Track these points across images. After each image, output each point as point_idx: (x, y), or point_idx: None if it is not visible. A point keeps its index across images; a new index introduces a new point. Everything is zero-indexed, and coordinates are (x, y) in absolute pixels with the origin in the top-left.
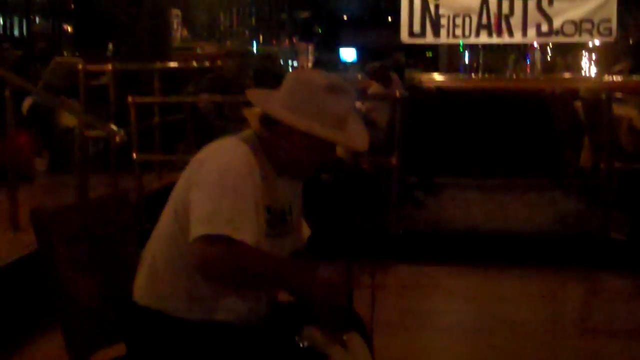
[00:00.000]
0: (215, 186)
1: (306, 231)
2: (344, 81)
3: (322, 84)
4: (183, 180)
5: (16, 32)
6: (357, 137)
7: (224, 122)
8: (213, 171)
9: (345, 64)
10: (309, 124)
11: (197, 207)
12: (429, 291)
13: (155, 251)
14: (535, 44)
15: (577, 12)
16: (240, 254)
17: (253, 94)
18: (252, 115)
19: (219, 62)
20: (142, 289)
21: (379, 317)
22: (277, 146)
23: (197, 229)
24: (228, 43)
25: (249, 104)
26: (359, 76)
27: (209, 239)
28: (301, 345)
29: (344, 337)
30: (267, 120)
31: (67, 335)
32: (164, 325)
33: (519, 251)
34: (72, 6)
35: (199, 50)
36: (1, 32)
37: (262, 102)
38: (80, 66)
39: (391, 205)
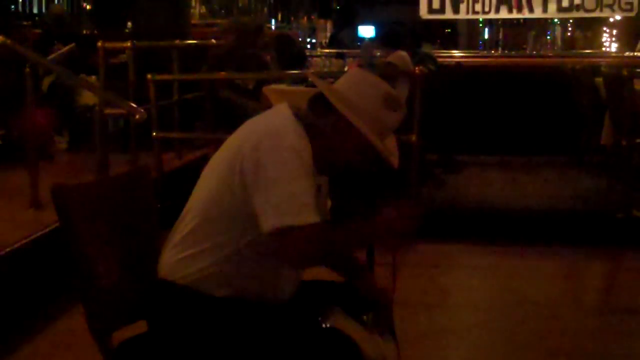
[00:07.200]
0: (280, 168)
1: (328, 202)
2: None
3: (384, 91)
4: (224, 157)
5: (35, 10)
6: (393, 153)
7: (235, 93)
8: (275, 151)
9: (363, 40)
10: (366, 127)
11: (266, 194)
12: (449, 269)
13: (188, 227)
14: (556, 20)
15: None
16: (323, 237)
17: (317, 79)
18: (271, 92)
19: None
20: (169, 265)
21: (400, 294)
22: (317, 130)
23: (275, 220)
24: (245, 19)
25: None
26: (378, 53)
27: (291, 231)
28: (324, 325)
29: (364, 318)
30: (318, 105)
31: (89, 312)
32: (189, 301)
33: (540, 229)
34: None
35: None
36: (20, 10)
37: (328, 90)
38: (99, 44)
39: (411, 183)
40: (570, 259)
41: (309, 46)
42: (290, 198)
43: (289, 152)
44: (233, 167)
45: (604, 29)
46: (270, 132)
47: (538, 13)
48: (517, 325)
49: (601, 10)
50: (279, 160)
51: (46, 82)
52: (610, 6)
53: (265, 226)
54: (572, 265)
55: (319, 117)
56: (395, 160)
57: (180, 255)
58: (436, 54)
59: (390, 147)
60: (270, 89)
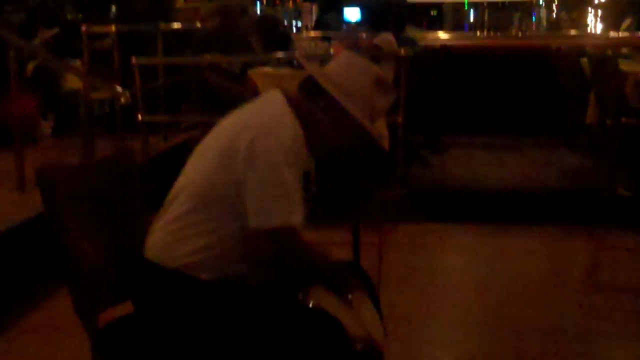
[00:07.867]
0: (272, 168)
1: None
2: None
3: (374, 75)
4: (220, 143)
5: None
6: (384, 136)
7: (221, 76)
8: (269, 152)
9: (349, 23)
10: (357, 110)
11: (256, 191)
12: (435, 249)
13: (179, 209)
14: (541, 1)
15: None
16: (298, 247)
17: (306, 62)
18: (256, 75)
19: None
20: (158, 246)
21: (386, 274)
22: (309, 115)
23: (261, 221)
24: (230, 2)
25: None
26: (364, 35)
27: (275, 232)
28: (307, 304)
29: (349, 297)
30: (309, 89)
31: (74, 294)
32: (176, 282)
33: (525, 208)
34: None
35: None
36: None
37: (319, 74)
38: (83, 28)
39: (397, 164)
40: (556, 237)
41: (294, 29)
42: (275, 200)
43: (282, 153)
44: (230, 157)
45: (589, 9)
46: (265, 128)
47: None
48: (504, 304)
49: None
50: (272, 162)
51: (30, 66)
52: None
53: (251, 223)
54: (557, 244)
55: (310, 101)
56: (386, 143)
57: (170, 237)
58: (422, 36)
59: (380, 129)
60: (255, 72)
